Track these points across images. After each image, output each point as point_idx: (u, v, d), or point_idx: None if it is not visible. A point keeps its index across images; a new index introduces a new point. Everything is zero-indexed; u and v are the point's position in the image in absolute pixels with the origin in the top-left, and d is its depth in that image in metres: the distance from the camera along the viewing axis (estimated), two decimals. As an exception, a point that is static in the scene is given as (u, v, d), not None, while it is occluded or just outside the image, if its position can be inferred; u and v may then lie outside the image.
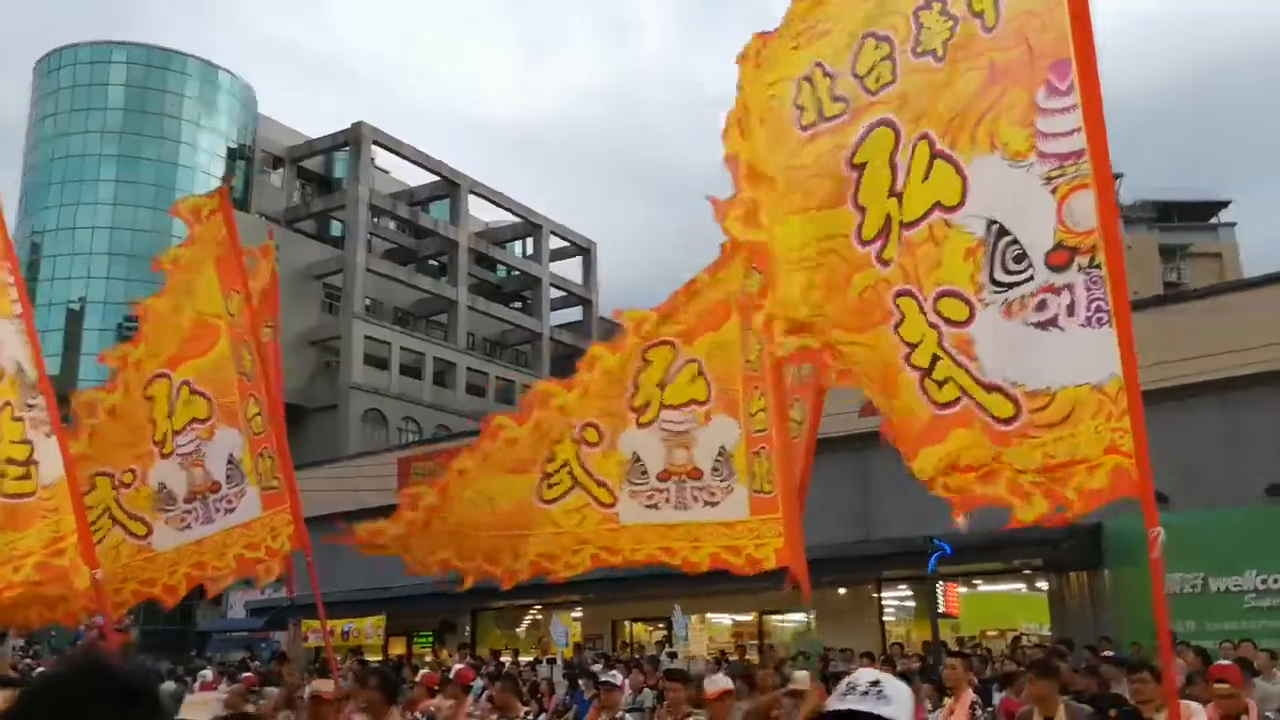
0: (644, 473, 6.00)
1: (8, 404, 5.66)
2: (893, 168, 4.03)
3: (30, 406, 5.62)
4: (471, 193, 54.84)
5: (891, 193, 4.02)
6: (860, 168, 4.14)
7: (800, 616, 24.13)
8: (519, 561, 6.05)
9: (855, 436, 14.10)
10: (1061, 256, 3.51)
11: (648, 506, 6.01)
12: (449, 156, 54.55)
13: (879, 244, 4.04)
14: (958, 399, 3.81)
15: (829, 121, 4.27)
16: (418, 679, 10.96)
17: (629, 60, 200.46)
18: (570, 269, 62.24)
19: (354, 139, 50.52)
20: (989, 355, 3.71)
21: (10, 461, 5.65)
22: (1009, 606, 20.99)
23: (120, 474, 6.56)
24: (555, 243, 60.15)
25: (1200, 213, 63.28)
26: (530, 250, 60.40)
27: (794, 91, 4.42)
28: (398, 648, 28.00)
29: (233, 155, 52.16)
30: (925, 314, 3.88)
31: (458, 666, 9.59)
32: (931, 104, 3.92)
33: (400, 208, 53.21)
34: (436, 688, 9.96)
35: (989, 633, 19.84)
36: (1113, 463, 3.41)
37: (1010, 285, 3.64)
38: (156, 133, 49.60)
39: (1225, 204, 64.27)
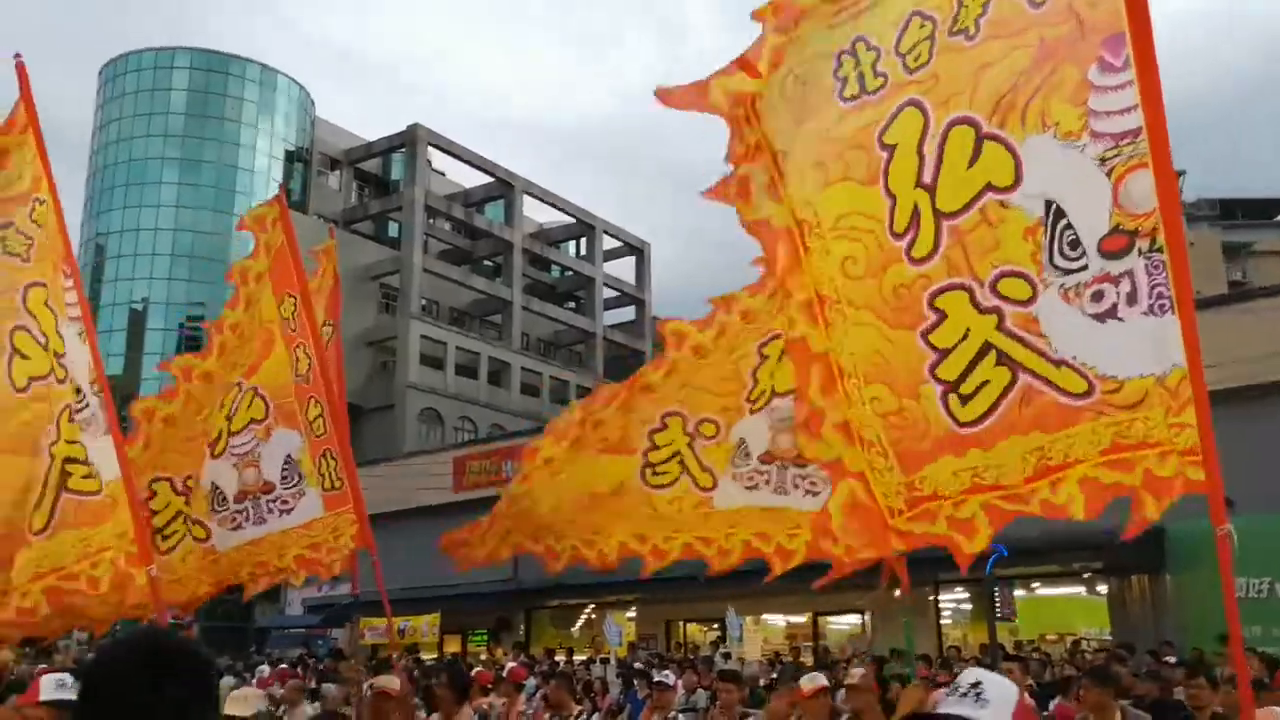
0: (747, 454, 5.82)
1: (67, 406, 5.74)
2: (920, 157, 3.87)
3: (80, 409, 5.68)
4: (525, 193, 55.19)
5: (919, 184, 3.87)
6: (890, 149, 4.01)
7: (854, 618, 23.96)
8: (609, 541, 6.02)
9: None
10: (1118, 242, 3.34)
11: (748, 488, 5.80)
12: (502, 158, 54.84)
13: (909, 238, 3.89)
14: (982, 417, 3.70)
15: (870, 95, 4.13)
16: (471, 676, 11.02)
17: (680, 60, 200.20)
18: (623, 269, 62.40)
19: (410, 141, 51.10)
20: (1057, 334, 3.53)
21: (71, 460, 5.73)
22: (1068, 610, 20.66)
23: (181, 480, 6.66)
24: (608, 243, 60.33)
25: (1264, 210, 61.74)
26: (584, 251, 60.64)
27: (834, 65, 4.26)
28: (453, 646, 28.25)
29: (291, 158, 53.02)
30: (978, 303, 3.70)
31: (511, 665, 9.62)
32: (970, 85, 3.75)
33: (455, 209, 53.71)
34: (490, 686, 10.02)
35: (1048, 637, 19.53)
36: (1176, 460, 3.23)
37: (1067, 271, 3.48)
38: (217, 136, 50.58)
39: (1289, 201, 62.61)
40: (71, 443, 5.72)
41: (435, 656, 24.75)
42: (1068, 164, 3.46)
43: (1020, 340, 3.60)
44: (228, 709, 5.30)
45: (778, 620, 24.80)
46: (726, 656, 18.05)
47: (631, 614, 25.61)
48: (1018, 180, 3.60)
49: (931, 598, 20.96)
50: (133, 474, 6.18)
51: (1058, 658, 16.15)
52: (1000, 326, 3.64)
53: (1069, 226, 3.47)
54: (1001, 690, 2.24)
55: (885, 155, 4.00)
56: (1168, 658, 12.74)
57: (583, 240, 60.73)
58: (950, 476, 3.83)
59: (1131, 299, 3.32)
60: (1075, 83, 3.46)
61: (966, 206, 3.72)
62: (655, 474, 5.95)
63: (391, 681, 6.71)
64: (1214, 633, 13.41)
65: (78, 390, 5.71)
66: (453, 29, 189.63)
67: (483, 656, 23.36)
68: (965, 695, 2.20)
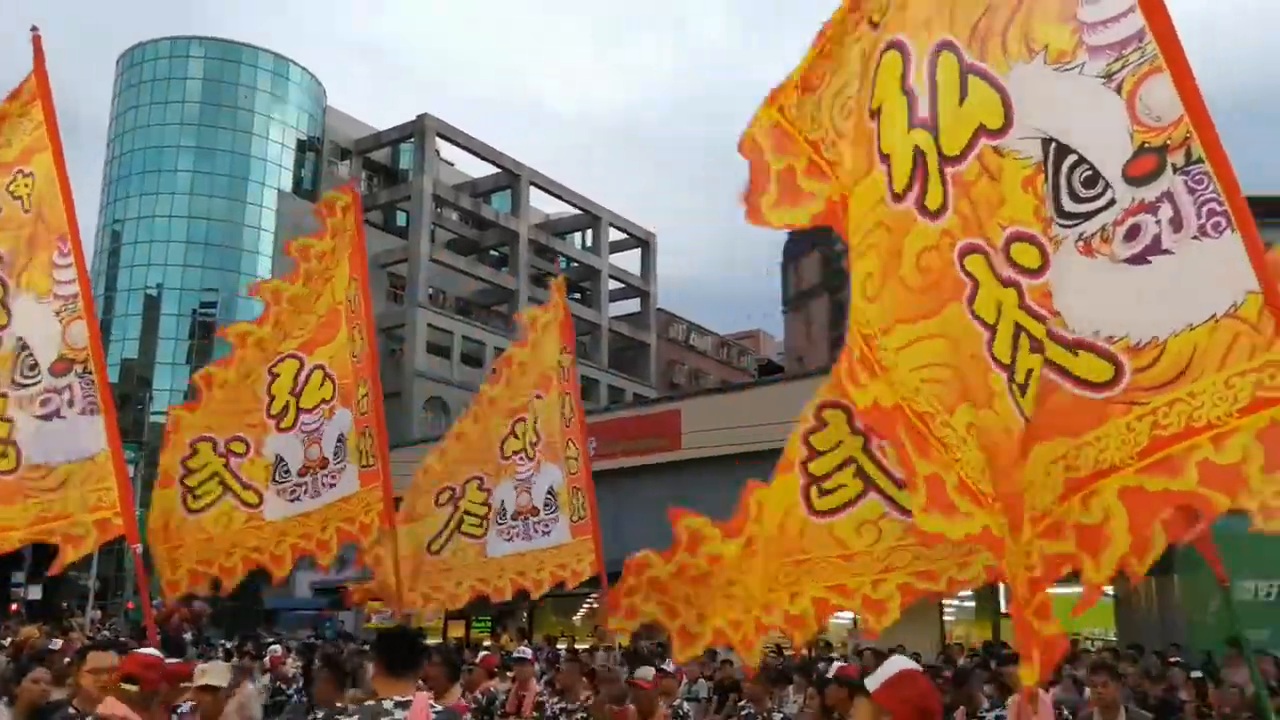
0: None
1: None
2: (908, 94, 3.35)
3: (21, 385, 5.68)
4: (532, 184, 55.22)
5: (913, 123, 3.32)
6: (878, 115, 3.51)
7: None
8: (797, 603, 4.82)
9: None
10: (1146, 163, 2.78)
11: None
12: (509, 149, 54.92)
13: (917, 190, 3.30)
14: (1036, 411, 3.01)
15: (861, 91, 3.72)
16: (477, 660, 11.11)
17: (690, 55, 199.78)
18: (629, 261, 62.40)
19: (418, 131, 51.14)
20: (1073, 306, 2.93)
21: None
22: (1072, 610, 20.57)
23: (226, 441, 6.80)
24: (614, 235, 60.33)
25: (1267, 209, 61.43)
26: (589, 242, 60.64)
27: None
28: (456, 631, 28.40)
29: (302, 147, 53.19)
30: (997, 272, 3.09)
31: (522, 651, 9.72)
32: (945, 6, 3.28)
33: (463, 199, 53.77)
34: (496, 670, 10.07)
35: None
36: (1265, 420, 2.52)
37: (1084, 215, 2.90)
38: (230, 125, 50.85)
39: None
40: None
41: (439, 641, 24.89)
42: (1066, 91, 2.96)
43: (1041, 320, 3.00)
44: (203, 680, 5.55)
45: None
46: (729, 647, 18.06)
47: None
48: (1008, 121, 3.10)
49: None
50: (183, 432, 6.70)
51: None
52: (1022, 303, 3.05)
53: (1080, 162, 2.93)
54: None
55: (875, 124, 3.53)
56: (1175, 659, 12.78)
57: (589, 232, 60.74)
58: (1044, 479, 3.03)
59: (1177, 224, 2.73)
60: None
61: (965, 152, 3.20)
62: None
63: None
64: (1223, 635, 13.42)
65: (32, 368, 5.70)
66: (461, 22, 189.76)
67: (486, 643, 23.48)
68: None
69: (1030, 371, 3.00)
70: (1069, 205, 2.94)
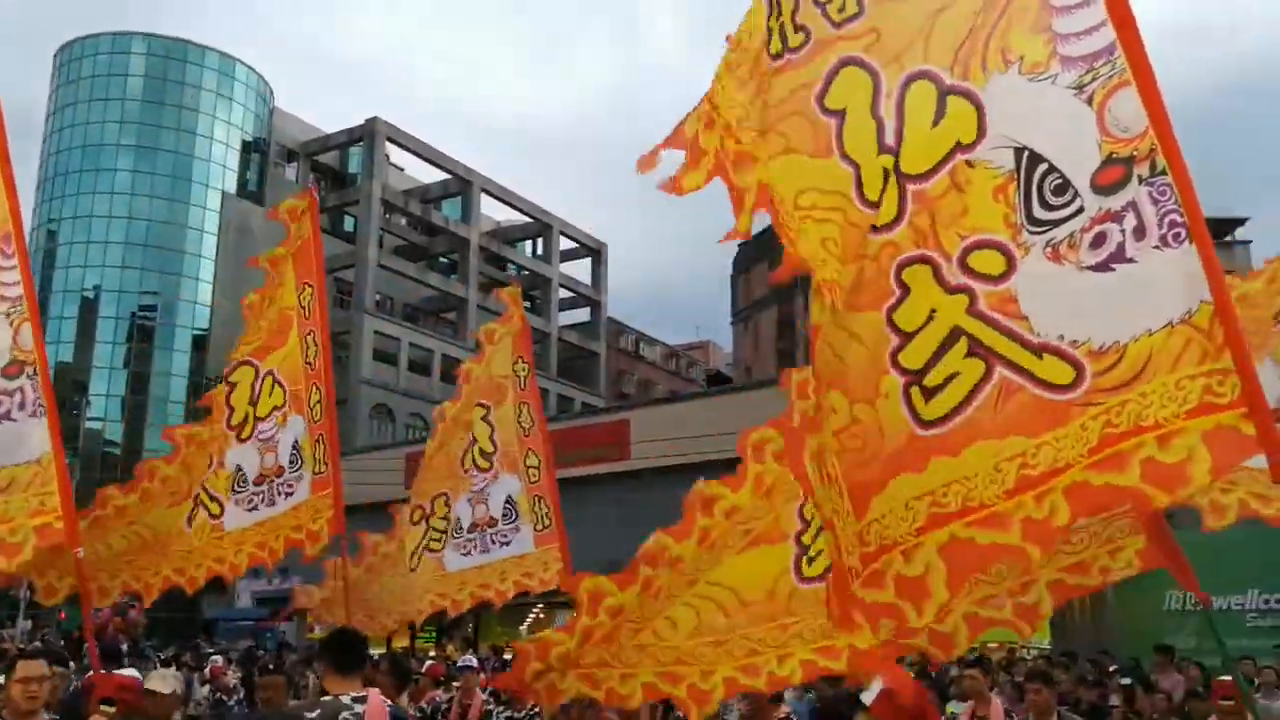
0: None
1: None
2: (878, 121, 3.39)
3: None
4: (483, 191, 55.05)
5: (882, 149, 3.37)
6: (837, 115, 3.50)
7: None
8: (785, 665, 4.96)
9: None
10: (1113, 173, 2.88)
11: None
12: (460, 157, 54.66)
13: (880, 208, 3.37)
14: (951, 414, 3.09)
15: (793, 53, 3.67)
16: (424, 670, 11.05)
17: (636, 61, 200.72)
18: (579, 270, 62.43)
19: (368, 134, 50.76)
20: (1040, 312, 2.99)
21: None
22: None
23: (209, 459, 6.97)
24: (565, 244, 60.35)
25: (1214, 231, 62.88)
26: (540, 250, 60.57)
27: (767, 11, 3.80)
28: (401, 640, 28.12)
29: (248, 148, 52.43)
30: (944, 280, 3.16)
31: (467, 659, 9.67)
32: (922, 36, 3.33)
33: (413, 204, 53.44)
34: (442, 679, 10.03)
35: (990, 645, 19.85)
36: (1210, 424, 2.63)
37: (1054, 223, 2.97)
38: (174, 124, 49.89)
39: (1240, 221, 63.93)
40: None
41: (383, 651, 24.62)
42: (1039, 101, 3.04)
43: (995, 325, 3.06)
44: (150, 685, 5.49)
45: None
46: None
47: (581, 614, 25.64)
48: (981, 132, 3.16)
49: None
50: (201, 455, 6.85)
51: (997, 663, 16.45)
52: (972, 309, 3.11)
53: (1051, 171, 3.01)
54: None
55: (834, 121, 3.52)
56: (1112, 667, 13.13)
57: (539, 240, 60.67)
58: (903, 510, 3.14)
59: (1140, 233, 2.84)
60: (1036, 7, 3.09)
61: (935, 169, 3.25)
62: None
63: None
64: (1150, 642, 13.79)
65: None
66: (410, 29, 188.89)
67: (432, 653, 23.31)
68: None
69: (955, 376, 3.09)
70: (1039, 213, 3.01)
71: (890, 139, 3.35)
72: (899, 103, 3.34)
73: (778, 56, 3.72)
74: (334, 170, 56.32)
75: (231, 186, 50.72)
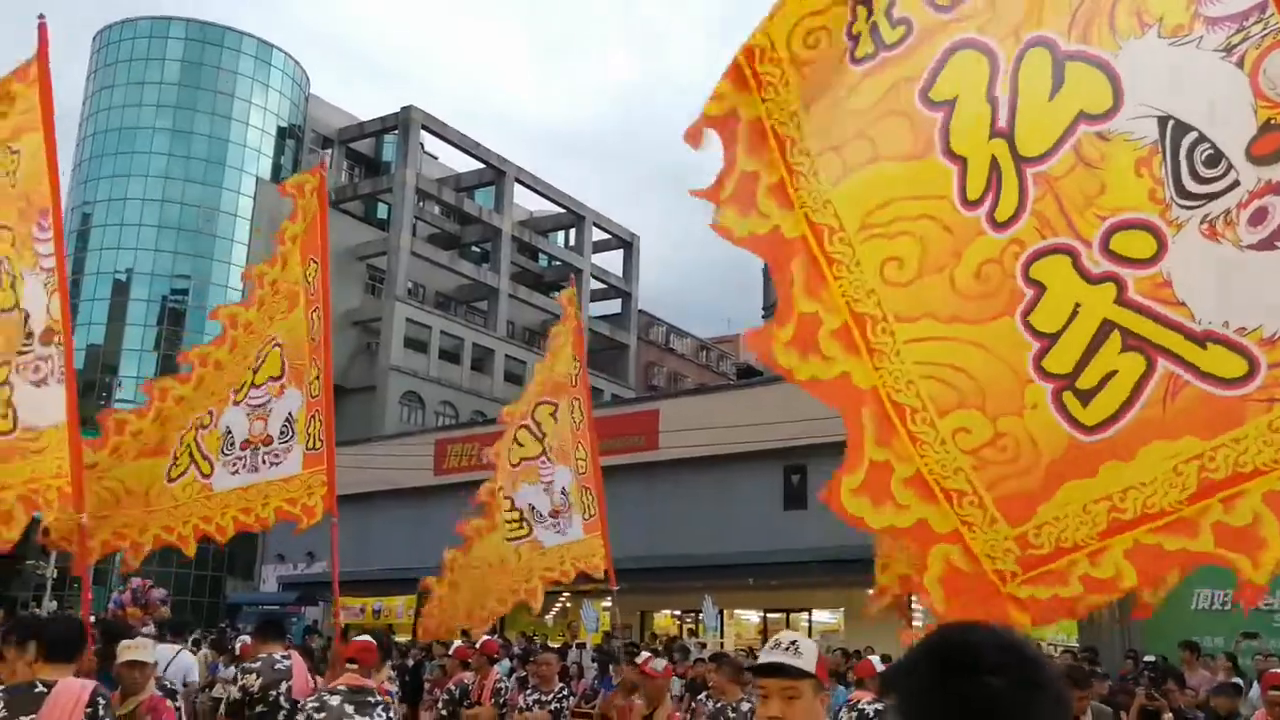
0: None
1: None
2: (992, 103, 3.12)
3: (21, 353, 6.03)
4: (517, 181, 55.07)
5: (994, 133, 3.10)
6: (945, 107, 3.24)
7: (829, 617, 24.12)
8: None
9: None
10: (1273, 141, 2.63)
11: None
12: (493, 149, 54.74)
13: (989, 202, 3.09)
14: (1115, 416, 2.80)
15: (889, 50, 3.38)
16: (450, 653, 11.25)
17: (663, 61, 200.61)
18: (611, 261, 62.39)
19: (403, 123, 50.87)
20: (1199, 296, 2.71)
21: None
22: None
23: (199, 415, 7.11)
24: (597, 235, 60.28)
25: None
26: (572, 241, 60.58)
27: (849, 18, 3.49)
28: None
29: (283, 134, 52.71)
30: (1086, 270, 2.88)
31: (485, 638, 9.96)
32: (1035, 6, 3.08)
33: (446, 193, 53.54)
34: (468, 661, 10.20)
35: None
36: None
37: (1207, 197, 2.71)
38: (209, 109, 50.17)
39: None
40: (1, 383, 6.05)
41: (410, 638, 24.76)
42: (1183, 65, 2.78)
43: (1150, 314, 2.78)
44: (129, 656, 5.67)
45: (751, 616, 24.95)
46: (702, 646, 18.15)
47: (607, 603, 25.73)
48: (1118, 103, 2.87)
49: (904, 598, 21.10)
50: (185, 408, 7.03)
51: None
52: (1121, 298, 2.82)
53: (1201, 140, 2.74)
54: (810, 647, 2.89)
55: (940, 115, 3.25)
56: (1148, 657, 13.07)
57: (572, 231, 60.67)
58: (1080, 514, 2.88)
59: None
60: None
61: (1055, 147, 2.97)
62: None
63: None
64: (1176, 640, 13.66)
65: (29, 336, 6.03)
66: (441, 28, 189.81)
67: (457, 643, 23.44)
68: (787, 649, 2.83)
69: (1112, 374, 2.82)
70: (1191, 186, 2.74)
71: (1003, 120, 3.08)
72: (1014, 77, 3.08)
73: (865, 59, 3.43)
74: (368, 158, 56.54)
75: (266, 172, 51.03)
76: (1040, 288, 2.95)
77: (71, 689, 4.02)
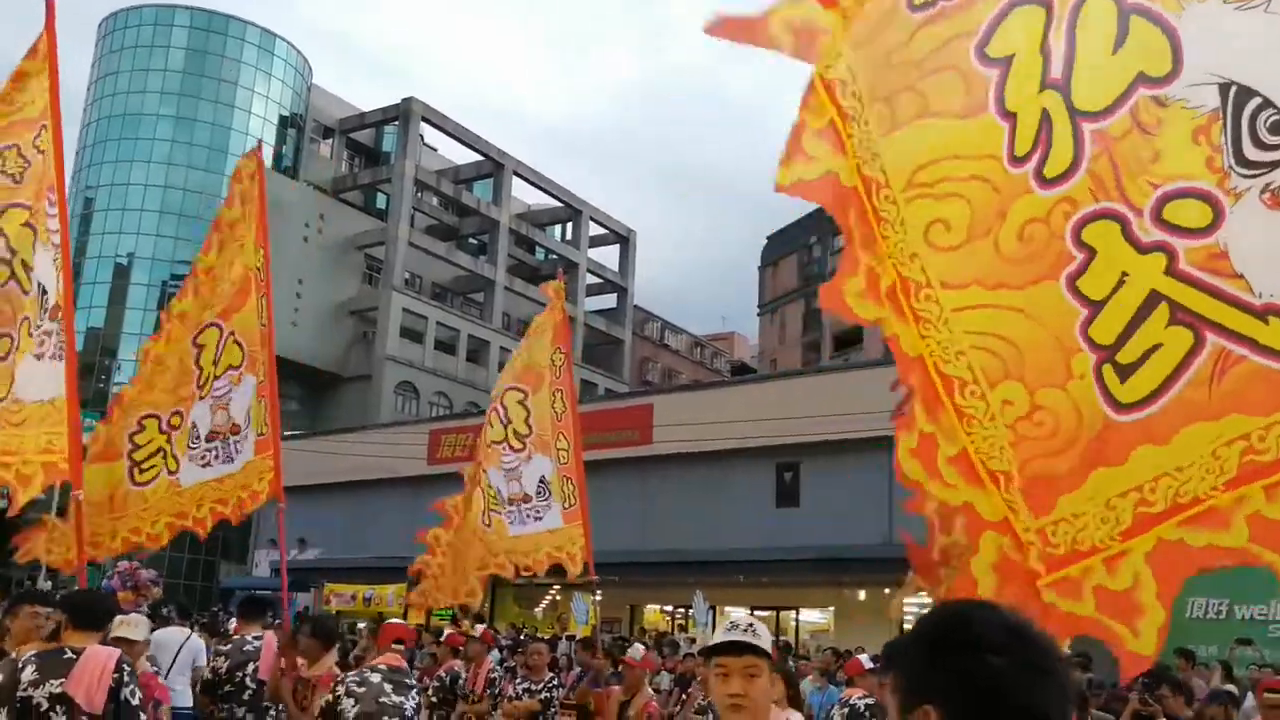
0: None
1: (26, 319, 6.05)
2: (1045, 54, 2.92)
3: (37, 326, 6.03)
4: (515, 174, 55.15)
5: (1045, 84, 2.90)
6: (1001, 64, 3.03)
7: (818, 616, 24.25)
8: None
9: (882, 437, 14.17)
10: None
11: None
12: (492, 142, 54.77)
13: (1038, 155, 2.88)
14: (1155, 395, 2.60)
15: (947, 1, 3.18)
16: (442, 639, 11.39)
17: (666, 61, 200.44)
18: (608, 256, 62.47)
19: (403, 114, 50.96)
20: (1259, 267, 2.52)
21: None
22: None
23: (167, 417, 6.99)
24: (594, 229, 60.37)
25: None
26: (569, 235, 60.65)
27: None
28: (417, 617, 28.37)
29: (284, 123, 52.76)
30: (1135, 239, 2.70)
31: (480, 628, 10.12)
32: None
33: (444, 185, 53.63)
34: (461, 649, 10.30)
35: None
36: None
37: (1271, 165, 2.53)
38: (213, 96, 50.25)
39: None
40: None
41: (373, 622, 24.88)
42: (1250, 30, 2.61)
43: (1202, 286, 2.59)
44: (119, 632, 5.70)
45: (740, 613, 25.02)
46: (692, 641, 18.25)
47: (597, 596, 25.85)
48: (1177, 67, 2.70)
49: (895, 598, 21.21)
50: (128, 409, 6.92)
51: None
52: (1172, 269, 2.63)
53: (1266, 105, 2.56)
54: (764, 630, 3.05)
55: (996, 72, 3.05)
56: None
57: (569, 225, 60.74)
58: (1103, 511, 2.65)
59: None
60: None
61: (1116, 104, 2.77)
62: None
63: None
64: (1171, 647, 13.74)
65: (45, 310, 6.00)
66: (443, 22, 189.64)
67: (448, 630, 23.57)
68: (746, 630, 2.95)
69: (1156, 348, 2.61)
70: (1252, 154, 2.55)
71: (1057, 70, 2.87)
72: (1070, 26, 2.87)
73: (923, 7, 3.20)
74: (368, 148, 56.61)
75: (267, 160, 51.08)
76: (1091, 252, 2.76)
77: (99, 656, 4.30)
